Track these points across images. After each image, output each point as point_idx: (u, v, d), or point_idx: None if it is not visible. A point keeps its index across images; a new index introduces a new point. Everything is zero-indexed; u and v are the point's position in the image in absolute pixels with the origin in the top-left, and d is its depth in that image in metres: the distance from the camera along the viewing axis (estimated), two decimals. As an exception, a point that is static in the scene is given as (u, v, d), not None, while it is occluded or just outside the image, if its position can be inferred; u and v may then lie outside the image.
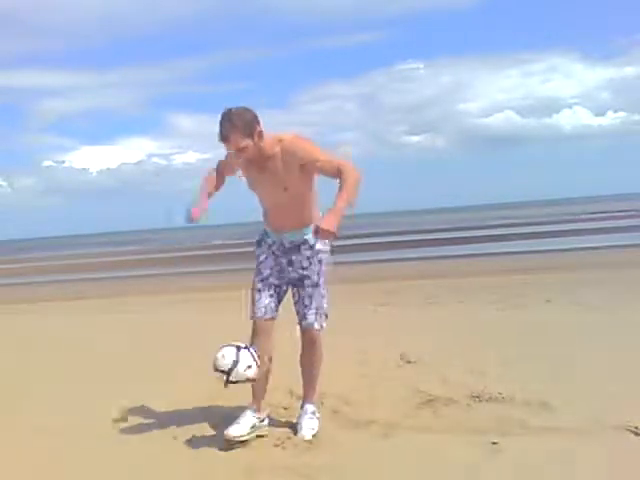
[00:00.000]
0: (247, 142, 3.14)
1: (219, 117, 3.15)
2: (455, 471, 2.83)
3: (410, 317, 7.41)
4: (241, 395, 3.89)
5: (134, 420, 3.74)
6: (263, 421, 3.47)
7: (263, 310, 3.41)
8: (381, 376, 4.44)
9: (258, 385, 3.46)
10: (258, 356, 3.23)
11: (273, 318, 3.44)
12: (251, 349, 3.23)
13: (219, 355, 3.15)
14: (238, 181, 3.54)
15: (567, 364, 4.54)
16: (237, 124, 3.11)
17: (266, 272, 3.45)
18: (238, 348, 3.18)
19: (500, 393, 3.81)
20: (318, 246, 3.40)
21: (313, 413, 3.50)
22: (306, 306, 3.41)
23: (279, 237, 3.44)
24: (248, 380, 3.21)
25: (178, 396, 4.18)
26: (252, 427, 3.35)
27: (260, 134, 3.17)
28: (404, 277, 12.75)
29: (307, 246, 3.40)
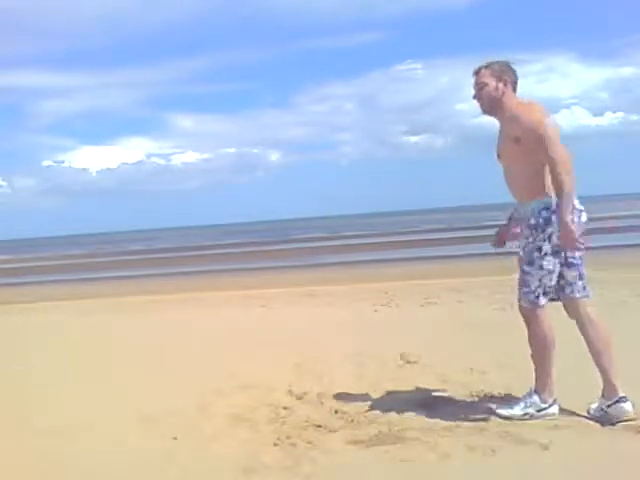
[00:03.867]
0: (491, 81, 3.36)
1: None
2: (455, 471, 2.83)
3: (410, 317, 7.41)
4: (241, 395, 3.90)
5: (134, 420, 3.74)
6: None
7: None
8: (381, 376, 4.44)
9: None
10: None
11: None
12: None
13: None
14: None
15: (567, 364, 4.53)
16: (491, 65, 3.39)
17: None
18: None
19: (500, 393, 3.81)
20: (532, 221, 3.37)
21: (529, 396, 3.44)
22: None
23: (520, 210, 3.51)
24: None
25: (178, 396, 4.17)
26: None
27: (506, 83, 3.36)
28: (404, 277, 12.75)
29: (526, 225, 3.42)
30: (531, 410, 3.39)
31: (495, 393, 3.81)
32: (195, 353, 5.78)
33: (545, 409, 3.40)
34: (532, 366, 4.56)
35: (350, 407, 3.74)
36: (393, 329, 6.54)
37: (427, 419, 3.48)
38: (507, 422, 3.32)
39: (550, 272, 3.38)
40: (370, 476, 2.84)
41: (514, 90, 3.41)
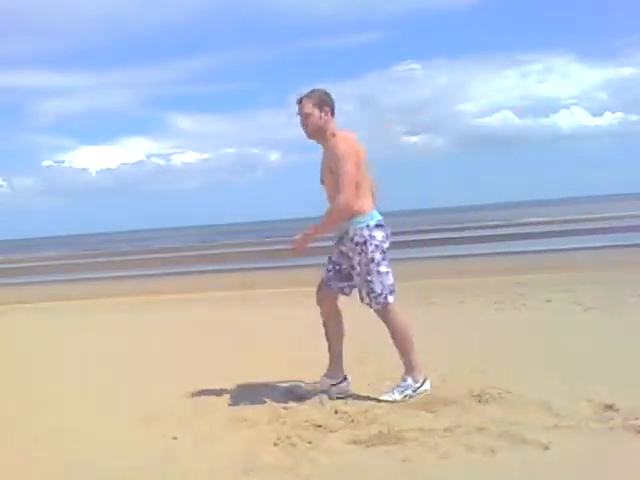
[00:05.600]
0: (314, 111, 3.77)
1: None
2: (455, 471, 2.83)
3: (410, 317, 7.39)
4: (240, 395, 3.90)
5: (134, 420, 3.74)
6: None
7: (322, 278, 4.08)
8: (381, 376, 4.43)
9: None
10: None
11: (330, 286, 4.03)
12: None
13: None
14: None
15: (567, 364, 4.54)
16: (312, 95, 3.80)
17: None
18: None
19: (500, 393, 3.81)
20: (356, 239, 3.79)
21: (404, 381, 3.91)
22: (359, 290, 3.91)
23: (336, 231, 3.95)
24: None
25: (177, 396, 4.17)
26: None
27: (327, 112, 3.80)
28: (404, 277, 12.72)
29: (349, 239, 3.82)
30: (409, 392, 3.83)
31: (495, 393, 3.81)
32: (195, 353, 5.78)
33: (419, 387, 3.87)
34: (532, 365, 4.57)
35: (350, 407, 3.74)
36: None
37: (427, 419, 3.48)
38: (507, 422, 3.32)
39: (388, 273, 3.85)
40: (370, 476, 2.84)
41: (333, 115, 3.85)
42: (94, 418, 3.85)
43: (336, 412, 3.66)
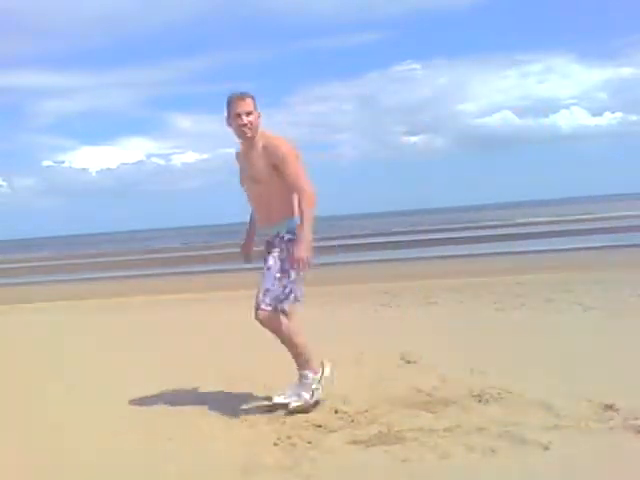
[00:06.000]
0: (255, 111, 3.65)
1: (232, 96, 3.68)
2: (455, 471, 2.83)
3: (410, 317, 7.41)
4: (240, 395, 3.90)
5: (134, 420, 3.74)
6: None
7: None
8: (381, 376, 4.44)
9: None
10: None
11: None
12: None
13: None
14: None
15: (567, 364, 4.54)
16: (250, 94, 3.68)
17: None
18: None
19: (500, 393, 3.81)
20: (286, 237, 3.68)
21: (305, 377, 3.75)
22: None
23: (264, 232, 3.82)
24: None
25: (177, 396, 4.17)
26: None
27: (260, 115, 3.68)
28: (404, 277, 12.74)
29: (279, 239, 3.70)
30: (315, 386, 3.74)
31: (495, 393, 3.81)
32: (195, 353, 5.78)
33: (322, 376, 3.79)
34: (532, 365, 4.57)
35: (350, 407, 3.74)
36: (393, 329, 6.54)
37: (427, 419, 3.48)
38: (507, 422, 3.32)
39: (296, 281, 3.69)
40: (370, 476, 2.84)
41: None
42: (94, 418, 3.85)
43: (336, 412, 3.66)
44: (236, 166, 3.91)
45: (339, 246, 28.52)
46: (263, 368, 4.82)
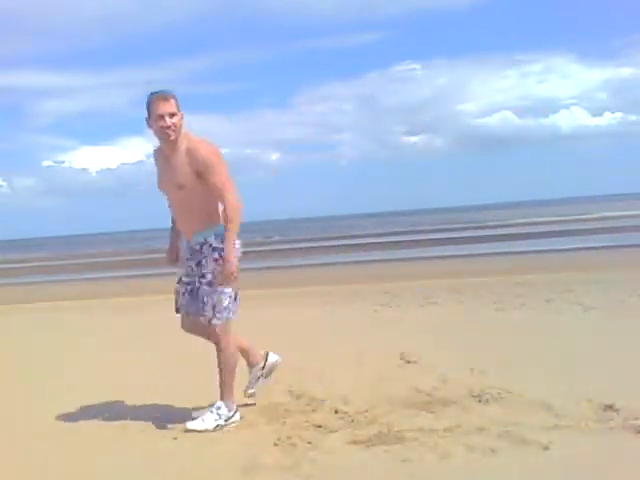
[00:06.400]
0: (178, 112, 3.43)
1: (153, 96, 3.45)
2: (455, 471, 2.83)
3: (410, 317, 7.41)
4: (240, 395, 3.90)
5: (135, 420, 3.74)
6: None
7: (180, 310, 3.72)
8: (381, 376, 4.44)
9: None
10: None
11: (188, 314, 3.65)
12: None
13: None
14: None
15: (567, 364, 4.54)
16: (172, 94, 3.46)
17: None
18: None
19: (500, 393, 3.81)
20: (215, 244, 3.50)
21: (217, 408, 3.57)
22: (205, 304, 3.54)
23: (186, 239, 3.63)
24: None
25: (177, 396, 4.17)
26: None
27: (182, 116, 3.45)
28: (404, 277, 12.74)
29: (208, 246, 3.51)
30: (221, 421, 3.53)
31: (495, 393, 3.81)
32: (194, 353, 5.77)
33: (232, 417, 3.57)
34: (531, 365, 4.57)
35: (350, 407, 3.74)
36: (393, 329, 6.54)
37: (427, 419, 3.48)
38: (507, 422, 3.32)
39: (233, 288, 3.57)
40: (370, 476, 2.84)
41: None
42: (94, 418, 3.85)
43: (336, 412, 3.66)
44: (154, 167, 3.66)
45: (339, 246, 28.54)
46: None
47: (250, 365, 3.92)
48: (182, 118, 3.44)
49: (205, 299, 3.51)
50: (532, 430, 3.18)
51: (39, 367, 5.52)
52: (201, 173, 3.38)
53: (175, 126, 3.40)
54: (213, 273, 3.48)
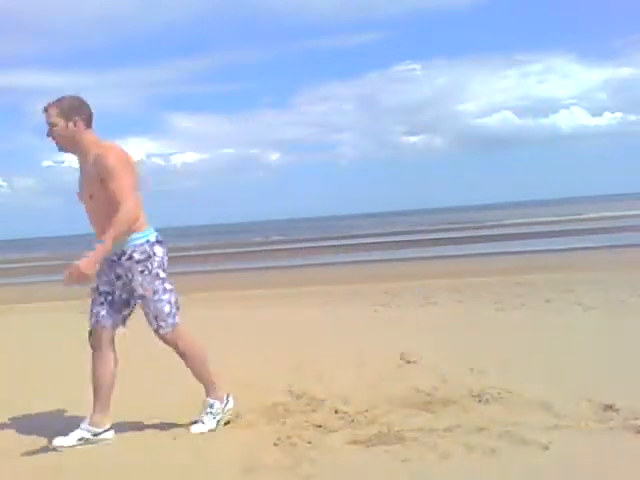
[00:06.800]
0: (61, 120, 3.30)
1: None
2: (455, 471, 2.83)
3: (410, 317, 7.41)
4: (240, 395, 3.90)
5: (134, 420, 3.74)
6: (103, 432, 3.45)
7: (94, 319, 3.55)
8: (381, 376, 4.44)
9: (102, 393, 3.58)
10: None
11: (105, 327, 3.53)
12: None
13: None
14: None
15: (567, 364, 4.54)
16: (59, 104, 3.32)
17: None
18: None
19: (500, 393, 3.81)
20: (136, 256, 3.37)
21: (210, 407, 3.57)
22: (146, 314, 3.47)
23: None
24: None
25: (177, 396, 4.17)
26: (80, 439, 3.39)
27: (77, 123, 3.31)
28: (404, 277, 12.75)
29: (127, 258, 3.38)
30: (220, 416, 3.54)
31: (495, 393, 3.81)
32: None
33: (226, 406, 3.59)
34: (531, 365, 4.56)
35: (350, 407, 3.74)
36: (393, 329, 6.55)
37: (427, 419, 3.48)
38: (507, 422, 3.32)
39: (172, 290, 3.47)
40: (370, 476, 2.84)
41: (89, 125, 3.38)
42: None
43: (336, 412, 3.66)
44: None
45: (339, 246, 28.55)
46: (264, 368, 4.82)
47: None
48: (68, 126, 3.30)
49: (145, 311, 3.45)
50: (532, 430, 3.18)
51: (39, 367, 5.52)
52: (104, 180, 3.25)
53: (57, 135, 3.33)
54: (142, 286, 3.38)
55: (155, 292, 3.39)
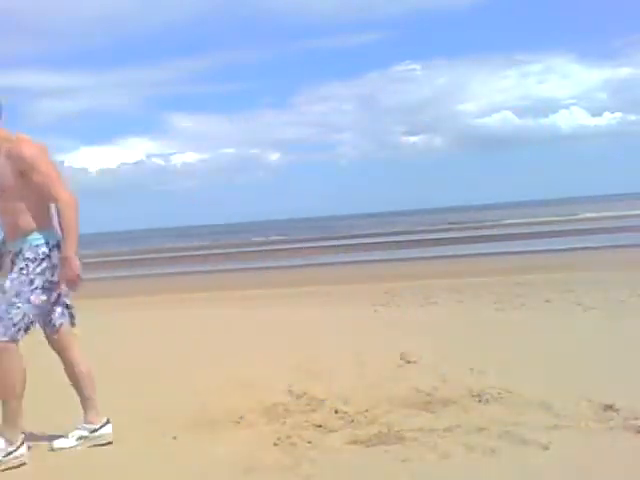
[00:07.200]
0: None
1: None
2: (455, 471, 2.83)
3: (410, 317, 7.41)
4: (241, 395, 3.90)
5: (134, 420, 3.74)
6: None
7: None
8: (381, 376, 4.44)
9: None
10: None
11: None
12: None
13: None
14: None
15: (567, 364, 4.54)
16: None
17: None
18: None
19: (500, 393, 3.81)
20: (27, 254, 3.17)
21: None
22: None
23: (8, 246, 3.30)
24: None
25: (178, 396, 4.18)
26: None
27: None
28: (404, 277, 12.75)
29: (21, 256, 3.19)
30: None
31: (495, 393, 3.81)
32: (194, 353, 5.78)
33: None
34: (531, 365, 4.56)
35: (350, 407, 3.74)
36: (393, 329, 6.54)
37: (427, 419, 3.48)
38: (507, 422, 3.32)
39: (36, 307, 3.16)
40: (370, 476, 2.84)
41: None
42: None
43: (336, 412, 3.66)
44: None
45: (339, 246, 28.56)
46: (264, 368, 4.82)
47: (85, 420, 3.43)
48: None
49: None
50: (532, 430, 3.18)
51: (38, 367, 5.51)
52: (24, 172, 3.12)
53: None
54: (12, 281, 3.12)
55: (18, 295, 3.10)
